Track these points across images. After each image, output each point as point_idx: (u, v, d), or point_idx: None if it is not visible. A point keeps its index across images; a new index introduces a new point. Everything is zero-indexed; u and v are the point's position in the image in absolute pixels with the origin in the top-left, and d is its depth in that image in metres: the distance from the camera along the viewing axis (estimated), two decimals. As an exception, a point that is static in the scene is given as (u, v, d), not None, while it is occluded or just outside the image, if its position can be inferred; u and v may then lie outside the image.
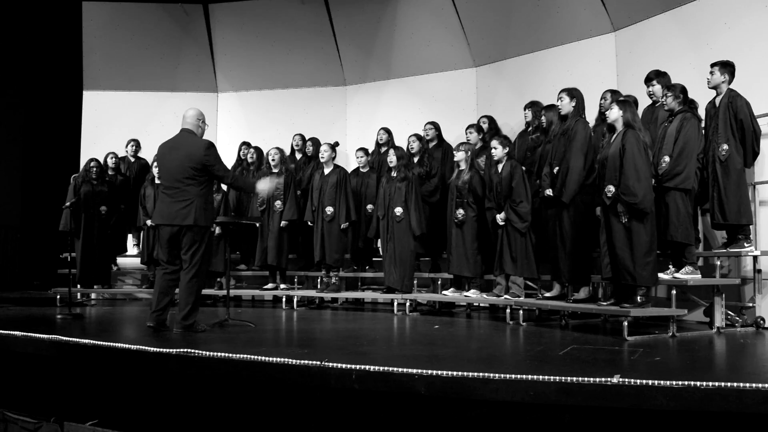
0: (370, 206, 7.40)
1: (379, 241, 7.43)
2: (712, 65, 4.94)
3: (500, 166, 5.87)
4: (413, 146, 7.28)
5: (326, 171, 7.23)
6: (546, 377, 2.82)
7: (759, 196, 4.99)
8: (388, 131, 7.85)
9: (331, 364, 3.20)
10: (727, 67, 4.89)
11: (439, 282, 6.91)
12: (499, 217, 5.75)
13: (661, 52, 5.96)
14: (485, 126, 7.26)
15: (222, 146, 9.28)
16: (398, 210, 6.61)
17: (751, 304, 4.96)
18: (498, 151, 5.84)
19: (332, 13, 8.70)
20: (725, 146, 4.75)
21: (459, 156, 6.34)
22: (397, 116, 8.50)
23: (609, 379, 2.74)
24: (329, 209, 7.06)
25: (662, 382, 2.67)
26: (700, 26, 5.70)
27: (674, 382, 2.65)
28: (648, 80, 5.35)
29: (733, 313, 4.98)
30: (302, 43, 8.94)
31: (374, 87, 8.91)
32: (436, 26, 8.12)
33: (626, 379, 2.73)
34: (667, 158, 4.72)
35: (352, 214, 7.11)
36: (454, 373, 2.96)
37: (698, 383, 2.63)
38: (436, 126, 7.60)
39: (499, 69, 7.83)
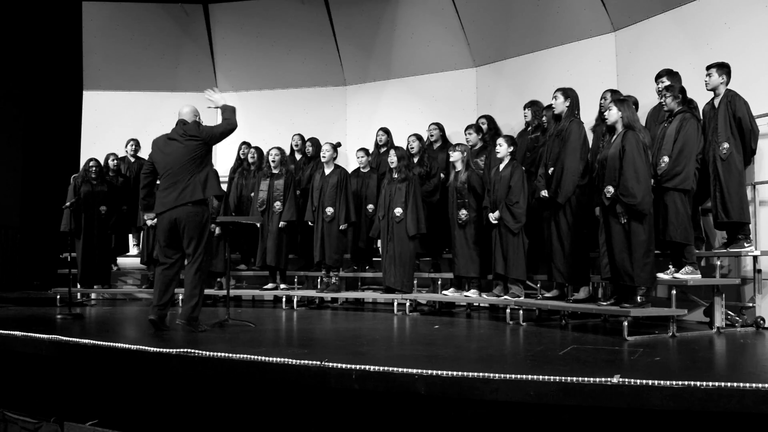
0: (370, 206, 7.42)
1: (379, 241, 7.48)
2: (709, 67, 4.94)
3: (502, 165, 5.86)
4: (413, 146, 7.29)
5: (327, 171, 7.22)
6: (546, 377, 2.82)
7: (759, 196, 4.98)
8: (387, 131, 7.85)
9: (331, 364, 3.20)
10: (723, 68, 4.89)
11: (439, 282, 6.91)
12: (492, 216, 5.75)
13: (661, 52, 5.95)
14: (484, 126, 7.25)
15: (222, 146, 9.31)
16: (398, 210, 6.61)
17: (751, 304, 4.95)
18: (502, 149, 5.83)
19: (332, 13, 8.69)
20: (726, 144, 4.74)
21: (455, 156, 6.35)
22: (397, 116, 8.50)
23: (609, 379, 2.74)
24: (329, 210, 7.06)
25: (662, 382, 2.67)
26: (700, 26, 5.68)
27: (674, 382, 2.65)
28: (659, 77, 5.33)
29: (733, 313, 4.98)
30: (302, 43, 8.94)
31: (374, 87, 8.90)
32: (436, 26, 8.11)
33: (626, 379, 2.73)
34: (666, 158, 4.72)
35: (351, 215, 7.10)
36: (454, 373, 2.96)
37: (698, 383, 2.62)
38: (440, 127, 7.61)
39: (499, 69, 7.83)
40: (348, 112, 9.14)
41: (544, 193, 5.22)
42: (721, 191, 4.76)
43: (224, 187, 7.97)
